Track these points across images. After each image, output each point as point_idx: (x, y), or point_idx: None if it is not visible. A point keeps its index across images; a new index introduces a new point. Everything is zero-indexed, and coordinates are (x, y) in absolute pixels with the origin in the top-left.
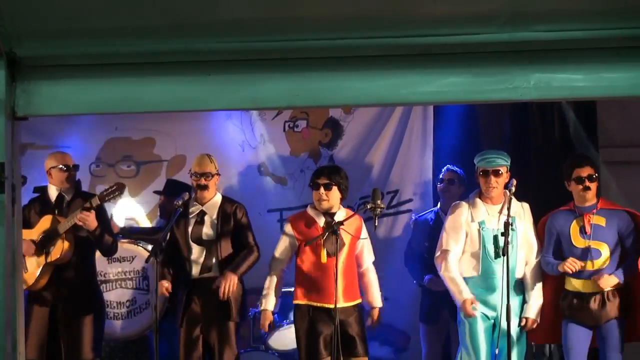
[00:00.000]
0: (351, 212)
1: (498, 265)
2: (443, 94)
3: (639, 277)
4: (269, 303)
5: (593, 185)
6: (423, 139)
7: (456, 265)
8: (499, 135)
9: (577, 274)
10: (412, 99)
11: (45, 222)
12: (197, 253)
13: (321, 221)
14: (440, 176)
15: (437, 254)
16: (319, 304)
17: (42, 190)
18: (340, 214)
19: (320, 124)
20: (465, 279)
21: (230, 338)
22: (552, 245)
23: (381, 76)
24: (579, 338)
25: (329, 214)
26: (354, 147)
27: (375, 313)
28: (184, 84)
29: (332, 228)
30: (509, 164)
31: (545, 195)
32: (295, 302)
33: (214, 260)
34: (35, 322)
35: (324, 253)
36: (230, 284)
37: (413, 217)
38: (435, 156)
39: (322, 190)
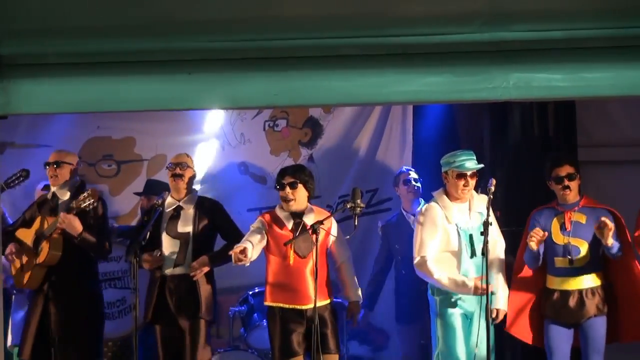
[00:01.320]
0: (320, 210)
1: (475, 264)
2: (423, 94)
3: (620, 277)
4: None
5: (573, 184)
6: (402, 137)
7: (436, 267)
8: (478, 134)
9: (557, 272)
10: (392, 98)
11: (37, 223)
12: (170, 248)
13: (290, 223)
14: (399, 178)
15: (416, 260)
16: (290, 306)
17: (48, 189)
18: (309, 213)
19: (300, 123)
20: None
21: (200, 335)
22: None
23: (361, 76)
24: (560, 338)
25: (297, 215)
26: (333, 146)
27: (354, 307)
28: (165, 83)
29: (313, 228)
30: (479, 165)
31: (524, 195)
32: (266, 303)
33: (187, 256)
34: (31, 324)
35: (292, 255)
36: (199, 270)
37: (380, 224)
38: (415, 155)
39: (287, 189)
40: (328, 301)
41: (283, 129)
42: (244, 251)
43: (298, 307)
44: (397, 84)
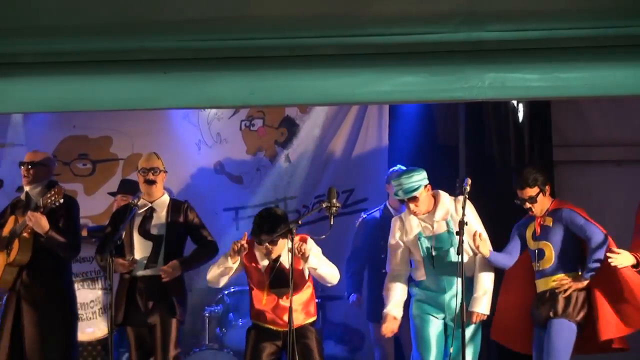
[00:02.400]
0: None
1: (442, 268)
2: (398, 94)
3: (595, 284)
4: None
5: (535, 206)
6: (378, 137)
7: (400, 283)
8: (454, 134)
9: (537, 275)
10: (368, 98)
11: (10, 223)
12: (141, 249)
13: (264, 262)
14: (390, 175)
15: (388, 273)
16: (264, 325)
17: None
18: (284, 255)
19: (276, 122)
20: (417, 282)
21: (171, 335)
22: (511, 247)
23: (337, 75)
24: (540, 340)
25: (270, 253)
26: (309, 146)
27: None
28: (141, 82)
29: (289, 228)
30: (424, 180)
31: (498, 194)
32: (252, 320)
33: (159, 257)
34: (5, 324)
35: (266, 295)
36: (169, 275)
37: (362, 216)
38: (391, 154)
39: (267, 245)
40: (312, 319)
41: (259, 128)
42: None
43: (274, 328)
44: (373, 84)
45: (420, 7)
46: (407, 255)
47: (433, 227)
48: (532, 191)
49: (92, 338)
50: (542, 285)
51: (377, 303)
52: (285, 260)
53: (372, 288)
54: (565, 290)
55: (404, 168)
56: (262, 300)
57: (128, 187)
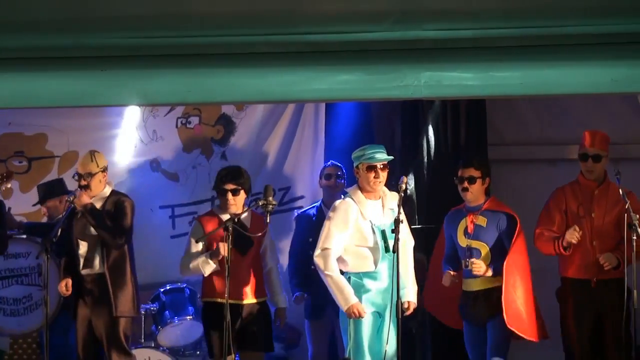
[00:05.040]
0: (254, 213)
1: (389, 261)
2: (335, 92)
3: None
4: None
5: (473, 187)
6: (315, 135)
7: (337, 265)
8: (390, 132)
9: (466, 274)
10: (304, 96)
11: None
12: (83, 248)
13: (229, 223)
14: (323, 171)
15: (317, 252)
16: (229, 301)
17: None
18: (246, 215)
19: (212, 120)
20: (361, 274)
21: (118, 333)
22: (449, 244)
23: (273, 73)
24: (475, 338)
25: (235, 214)
26: (246, 144)
27: (281, 313)
28: (77, 79)
29: (225, 226)
30: (389, 157)
31: (435, 193)
32: (204, 299)
33: (98, 256)
34: None
35: (231, 252)
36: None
37: (296, 213)
38: (327, 153)
39: (229, 195)
40: (264, 298)
41: (195, 126)
42: (219, 254)
43: (234, 302)
44: (309, 82)
45: (356, 5)
46: (350, 236)
47: (383, 216)
48: (475, 172)
49: (19, 333)
50: (475, 284)
51: (319, 302)
52: (247, 221)
53: (307, 285)
54: (500, 289)
55: (338, 164)
56: (230, 256)
57: (48, 191)
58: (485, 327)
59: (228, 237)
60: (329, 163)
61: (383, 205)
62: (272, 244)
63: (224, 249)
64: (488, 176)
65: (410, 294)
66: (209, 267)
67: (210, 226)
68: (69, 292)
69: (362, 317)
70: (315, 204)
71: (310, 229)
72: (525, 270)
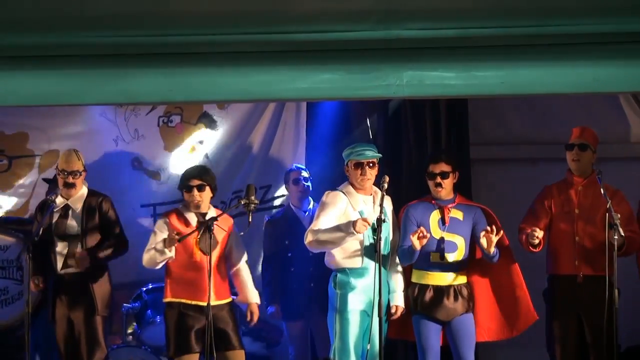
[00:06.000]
0: (220, 212)
1: (375, 255)
2: (316, 91)
3: (478, 276)
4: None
5: (446, 182)
6: (296, 134)
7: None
8: (372, 132)
9: (430, 267)
10: (286, 95)
11: None
12: (61, 247)
13: (194, 221)
14: (288, 175)
15: (307, 237)
16: (191, 302)
17: None
18: (211, 213)
19: (194, 119)
20: (348, 270)
21: (96, 332)
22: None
23: (255, 72)
24: (432, 335)
25: (200, 214)
26: (227, 143)
27: (254, 308)
28: (58, 78)
29: (207, 223)
30: (378, 154)
31: (416, 192)
32: (166, 300)
33: (76, 256)
34: None
35: (197, 251)
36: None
37: (266, 218)
38: (308, 152)
39: (195, 192)
40: (229, 300)
41: (177, 124)
42: (173, 243)
43: (199, 303)
44: (290, 81)
45: (337, 4)
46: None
47: (374, 212)
48: (446, 167)
49: None
50: (447, 279)
51: (291, 303)
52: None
53: (287, 289)
54: (469, 284)
55: (303, 167)
56: (196, 255)
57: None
58: (450, 323)
59: (210, 236)
60: (294, 167)
61: (374, 202)
62: (238, 242)
63: (178, 236)
64: (457, 169)
65: (399, 299)
66: (162, 256)
67: (177, 223)
68: (41, 287)
69: (369, 226)
70: (282, 208)
71: (284, 233)
72: (507, 265)
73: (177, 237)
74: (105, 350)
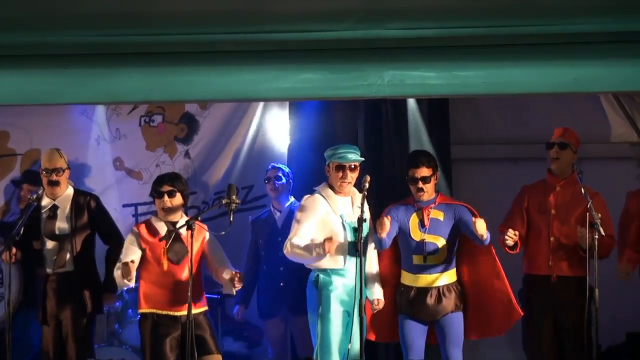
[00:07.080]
0: (188, 217)
1: (357, 258)
2: (298, 90)
3: (467, 276)
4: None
5: (428, 186)
6: (278, 134)
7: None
8: (354, 131)
9: (413, 269)
10: (268, 95)
11: None
12: (51, 248)
13: (163, 230)
14: (266, 175)
15: (286, 247)
16: (164, 312)
17: None
18: (182, 222)
19: (176, 119)
20: (329, 271)
21: (85, 333)
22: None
23: (237, 72)
24: (416, 333)
25: (171, 223)
26: (209, 142)
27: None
28: (40, 77)
29: (174, 232)
30: (360, 158)
31: (398, 193)
32: (140, 311)
33: (68, 255)
34: None
35: (165, 262)
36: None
37: (250, 218)
38: (290, 152)
39: (166, 197)
40: (204, 309)
41: (159, 124)
42: (129, 274)
43: (172, 313)
44: (272, 81)
45: (318, 4)
46: (316, 227)
47: (353, 213)
48: (427, 171)
49: None
50: (430, 280)
51: (269, 302)
52: (182, 230)
53: (261, 287)
54: (459, 283)
55: (280, 165)
56: (164, 265)
57: (32, 178)
58: (436, 322)
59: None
60: (269, 166)
61: (352, 203)
62: (213, 242)
63: (133, 269)
64: (437, 171)
65: (377, 292)
66: (124, 284)
67: (146, 234)
68: (14, 260)
69: (331, 250)
70: (266, 209)
71: (260, 232)
72: (490, 263)
73: (130, 264)
74: (92, 351)
